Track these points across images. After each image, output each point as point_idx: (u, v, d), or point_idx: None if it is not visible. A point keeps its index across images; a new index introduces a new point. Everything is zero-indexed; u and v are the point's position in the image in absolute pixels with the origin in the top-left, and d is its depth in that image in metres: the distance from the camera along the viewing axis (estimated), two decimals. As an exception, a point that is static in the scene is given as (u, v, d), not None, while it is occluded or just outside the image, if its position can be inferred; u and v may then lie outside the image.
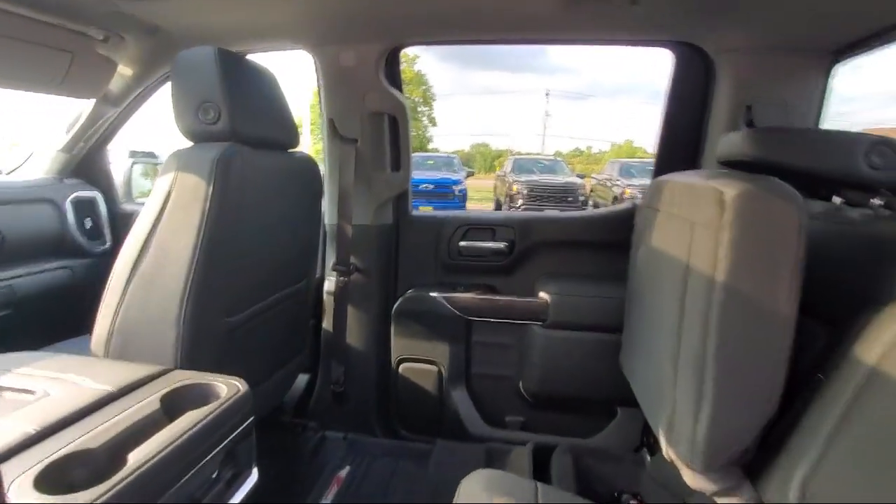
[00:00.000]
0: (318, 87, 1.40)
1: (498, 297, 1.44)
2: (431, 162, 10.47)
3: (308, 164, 1.25)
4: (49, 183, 1.59)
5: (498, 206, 11.29)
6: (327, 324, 1.52)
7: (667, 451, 0.85)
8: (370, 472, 1.44)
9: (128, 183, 1.86)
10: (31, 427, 0.62)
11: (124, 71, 1.43)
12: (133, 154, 1.90)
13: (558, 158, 12.98)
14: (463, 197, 9.23)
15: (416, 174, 8.79)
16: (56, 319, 1.68)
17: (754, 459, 0.74)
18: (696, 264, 0.77)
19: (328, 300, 1.50)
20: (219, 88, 0.94)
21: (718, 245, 0.71)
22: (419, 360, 1.51)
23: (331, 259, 1.49)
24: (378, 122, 1.41)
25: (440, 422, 1.51)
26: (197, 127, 0.96)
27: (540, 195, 9.15)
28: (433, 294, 1.45)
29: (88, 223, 1.66)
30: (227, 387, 0.80)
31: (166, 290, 0.89)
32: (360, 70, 1.35)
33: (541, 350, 1.39)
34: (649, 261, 1.05)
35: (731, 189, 0.70)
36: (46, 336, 1.42)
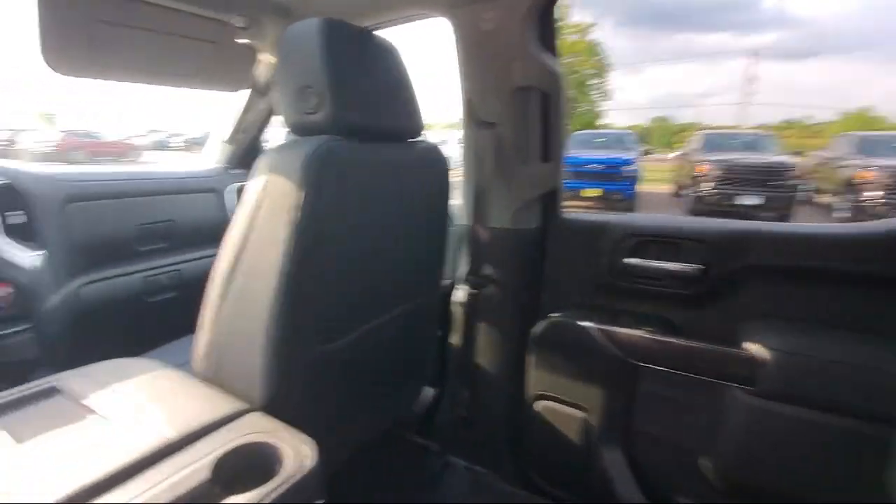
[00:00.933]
0: (457, 59, 1.16)
1: (678, 341, 1.03)
2: (601, 140, 9.54)
3: (434, 155, 1.02)
4: (216, 173, 1.69)
5: (677, 193, 9.84)
6: (455, 338, 1.31)
7: None
8: None
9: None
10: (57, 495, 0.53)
11: (267, 59, 1.40)
12: None
13: (763, 132, 10.57)
14: (633, 179, 8.19)
15: (584, 153, 8.12)
16: None
17: None
18: None
19: (457, 311, 1.29)
20: (321, 70, 0.76)
21: None
22: (562, 402, 1.19)
23: (462, 266, 1.26)
24: (524, 101, 1.10)
25: (584, 481, 1.19)
26: (296, 117, 0.80)
27: (735, 177, 7.45)
28: (585, 324, 1.11)
29: (246, 212, 1.73)
30: (294, 454, 0.63)
31: (254, 314, 0.76)
32: (504, 34, 1.06)
33: (744, 425, 0.96)
34: None
35: None
36: None
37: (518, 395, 1.26)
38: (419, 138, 1.00)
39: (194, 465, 0.59)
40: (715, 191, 7.53)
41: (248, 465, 0.62)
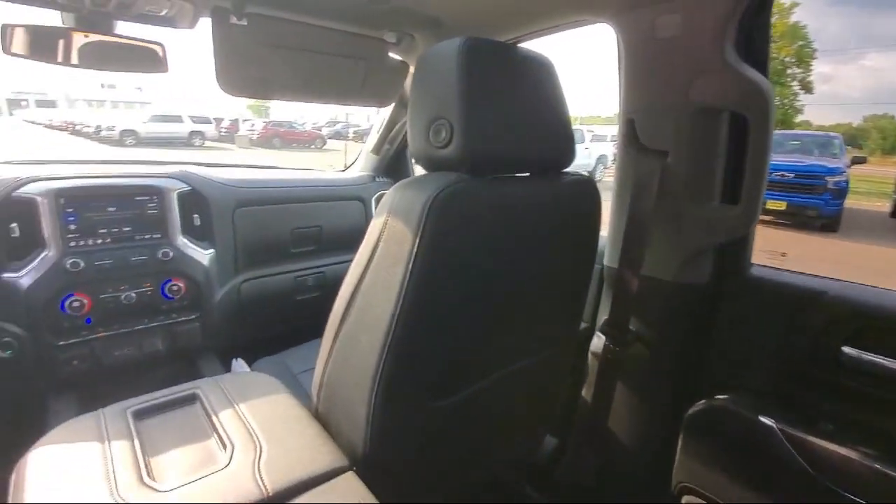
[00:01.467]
0: (618, 71, 0.97)
1: None
2: (796, 143, 7.93)
3: (584, 189, 0.86)
4: (363, 181, 1.75)
5: (901, 210, 7.75)
6: (587, 392, 1.14)
7: None
8: None
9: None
10: None
11: (416, 72, 1.37)
12: None
13: None
14: (838, 192, 6.63)
15: (774, 158, 6.83)
16: None
17: None
18: None
19: (592, 363, 1.11)
20: (455, 99, 0.67)
21: None
22: None
23: (603, 312, 1.08)
24: (709, 124, 0.87)
25: None
26: (426, 150, 0.72)
27: None
28: (765, 420, 0.85)
29: (386, 220, 1.77)
30: None
31: (361, 360, 0.71)
32: (690, 41, 0.84)
33: None
34: None
35: None
36: None
37: (658, 479, 1.04)
38: (568, 169, 0.85)
39: None
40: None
41: None
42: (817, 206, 6.60)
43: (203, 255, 1.30)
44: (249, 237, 1.43)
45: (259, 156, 14.29)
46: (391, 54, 1.25)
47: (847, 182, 6.76)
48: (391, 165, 1.80)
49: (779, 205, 6.73)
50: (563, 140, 0.81)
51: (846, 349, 0.81)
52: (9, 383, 1.09)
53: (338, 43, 1.14)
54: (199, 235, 1.32)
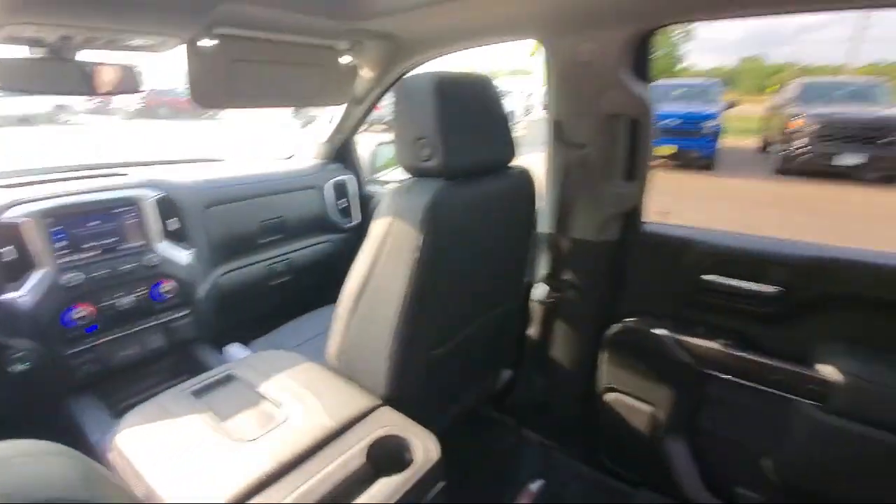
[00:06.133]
0: (547, 81, 1.22)
1: (752, 357, 1.11)
2: (680, 91, 8.80)
3: (524, 179, 1.13)
4: (315, 170, 1.88)
5: (764, 148, 9.02)
6: (533, 331, 1.46)
7: None
8: (564, 496, 1.39)
9: (372, 163, 2.07)
10: (257, 470, 0.75)
11: (366, 74, 1.52)
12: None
13: (874, 79, 9.05)
14: (714, 135, 7.59)
15: (660, 108, 7.55)
16: (321, 283, 2.07)
17: None
18: None
19: (536, 308, 1.43)
20: (434, 125, 0.89)
21: None
22: (631, 396, 1.32)
23: (542, 268, 1.38)
24: (613, 126, 1.16)
25: (648, 467, 1.33)
26: (413, 163, 0.94)
27: (836, 135, 6.57)
28: (659, 332, 1.21)
29: (343, 203, 1.93)
30: (423, 448, 0.81)
31: (379, 328, 0.94)
32: (599, 64, 1.11)
33: (813, 438, 1.04)
34: None
35: None
36: (315, 297, 1.76)
37: (589, 386, 1.40)
38: (512, 165, 1.10)
39: (351, 451, 0.80)
40: (808, 149, 6.82)
41: (386, 453, 0.82)
42: (698, 149, 7.54)
43: (183, 256, 1.41)
44: (221, 233, 1.54)
45: (146, 129, 12.84)
46: (343, 60, 1.39)
47: (720, 126, 7.73)
48: (340, 152, 1.94)
49: (670, 149, 7.60)
50: (507, 142, 1.06)
51: (706, 277, 1.17)
52: (32, 391, 1.18)
53: (298, 53, 1.27)
54: (178, 238, 1.42)
